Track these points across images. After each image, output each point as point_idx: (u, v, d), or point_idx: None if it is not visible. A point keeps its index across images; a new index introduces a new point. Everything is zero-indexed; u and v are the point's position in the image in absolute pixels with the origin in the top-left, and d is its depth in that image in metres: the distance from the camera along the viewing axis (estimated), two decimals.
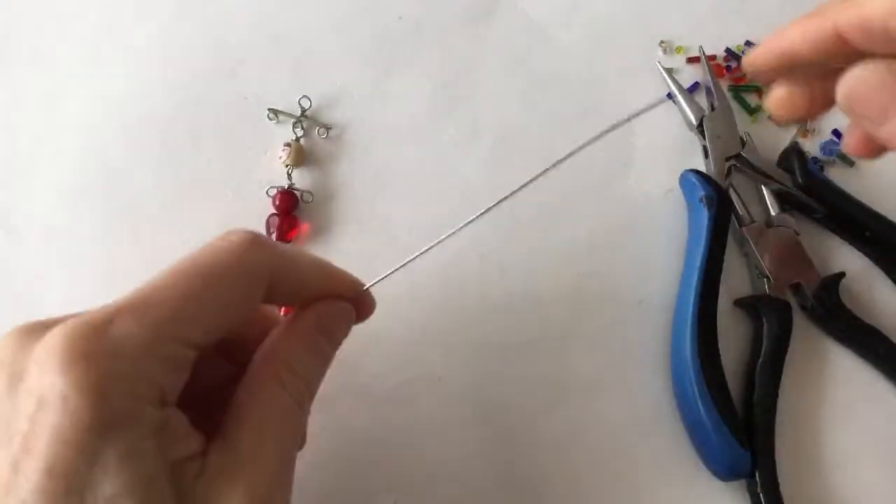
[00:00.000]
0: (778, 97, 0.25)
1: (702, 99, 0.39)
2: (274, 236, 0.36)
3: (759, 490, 0.32)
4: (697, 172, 0.37)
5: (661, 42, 0.41)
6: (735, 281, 0.37)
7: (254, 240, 0.23)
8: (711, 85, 0.39)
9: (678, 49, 0.41)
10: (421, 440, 0.34)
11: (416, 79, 0.40)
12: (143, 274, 0.22)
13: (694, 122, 0.38)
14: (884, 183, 0.38)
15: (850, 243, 0.37)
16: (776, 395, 0.33)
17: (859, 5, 0.21)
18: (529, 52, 0.41)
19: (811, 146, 0.39)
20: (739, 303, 0.36)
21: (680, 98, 0.39)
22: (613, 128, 0.35)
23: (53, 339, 0.19)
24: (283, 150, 0.38)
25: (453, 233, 0.32)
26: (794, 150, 0.38)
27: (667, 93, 0.40)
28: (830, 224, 0.37)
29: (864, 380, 0.35)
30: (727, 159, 0.37)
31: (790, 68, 0.24)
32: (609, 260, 0.37)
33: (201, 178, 0.38)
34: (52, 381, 0.18)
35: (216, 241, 0.23)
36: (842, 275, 0.36)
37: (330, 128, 0.39)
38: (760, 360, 0.34)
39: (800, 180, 0.37)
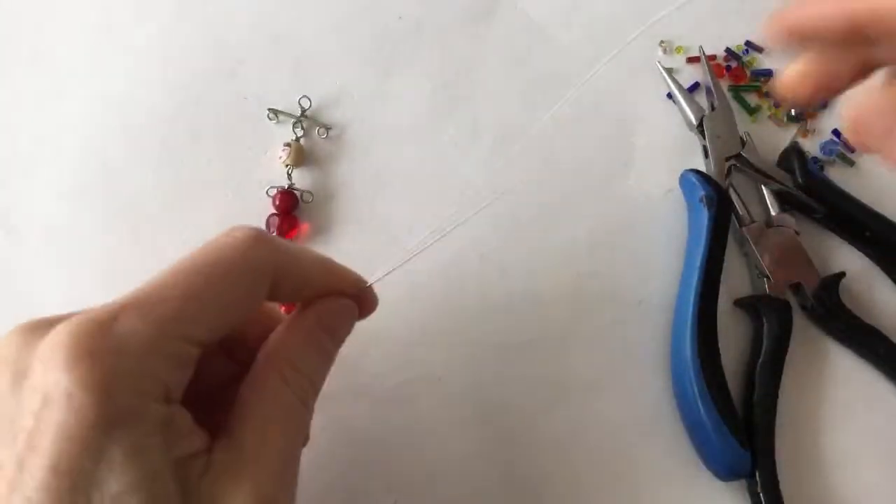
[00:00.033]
0: (791, 75, 0.25)
1: (702, 99, 0.39)
2: None
3: (759, 490, 0.32)
4: (697, 172, 0.37)
5: (661, 42, 0.41)
6: (735, 281, 0.37)
7: (257, 236, 0.23)
8: (711, 85, 0.39)
9: (678, 49, 0.41)
10: (421, 440, 0.34)
11: (416, 79, 0.40)
12: (143, 274, 0.22)
13: (694, 122, 0.38)
14: (884, 183, 0.38)
15: (850, 243, 0.37)
16: (776, 395, 0.33)
17: None
18: (529, 52, 0.41)
19: (811, 146, 0.39)
20: (739, 303, 0.36)
21: (680, 98, 0.39)
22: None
23: (58, 336, 0.19)
24: (283, 150, 0.38)
25: (462, 222, 0.32)
26: (794, 150, 0.38)
27: (667, 93, 0.40)
28: (830, 224, 0.37)
29: (864, 380, 0.35)
30: (727, 159, 0.37)
31: (804, 42, 0.24)
32: (609, 260, 0.37)
33: (201, 178, 0.38)
34: (56, 378, 0.18)
35: (220, 237, 0.23)
36: (842, 275, 0.36)
37: (330, 128, 0.39)
38: (760, 360, 0.34)
39: (800, 180, 0.37)
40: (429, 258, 0.36)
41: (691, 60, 0.41)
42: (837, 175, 0.39)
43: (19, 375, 0.19)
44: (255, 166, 0.38)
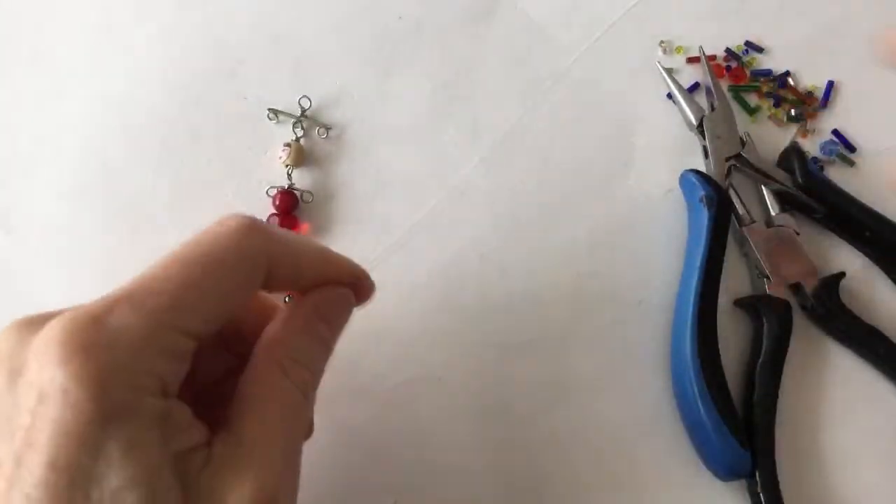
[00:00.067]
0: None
1: (702, 99, 0.39)
2: None
3: (759, 490, 0.32)
4: (697, 172, 0.37)
5: (661, 42, 0.41)
6: (735, 281, 0.37)
7: (251, 225, 0.23)
8: (711, 85, 0.39)
9: (678, 49, 0.41)
10: (421, 440, 0.34)
11: (416, 79, 0.40)
12: None
13: (694, 122, 0.38)
14: (884, 183, 0.38)
15: (850, 243, 0.37)
16: (776, 395, 0.33)
17: None
18: (529, 52, 0.41)
19: (811, 146, 0.39)
20: (739, 303, 0.36)
21: (680, 98, 0.39)
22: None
23: (52, 331, 0.19)
24: (283, 150, 0.38)
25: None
26: (794, 150, 0.38)
27: (667, 93, 0.40)
28: (830, 224, 0.37)
29: (864, 380, 0.35)
30: (727, 159, 0.37)
31: None
32: (609, 260, 0.37)
33: (201, 178, 0.38)
34: (51, 374, 0.18)
35: (213, 226, 0.23)
36: (842, 275, 0.36)
37: (330, 128, 0.39)
38: (760, 360, 0.34)
39: (800, 180, 0.37)
40: (429, 258, 0.37)
41: (691, 60, 0.41)
42: (837, 175, 0.39)
43: (15, 372, 0.19)
44: (255, 166, 0.38)
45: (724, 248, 0.35)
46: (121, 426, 0.18)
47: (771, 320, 0.34)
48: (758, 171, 0.37)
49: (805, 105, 0.40)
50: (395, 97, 0.40)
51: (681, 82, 0.39)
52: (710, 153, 0.38)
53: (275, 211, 0.37)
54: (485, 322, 0.36)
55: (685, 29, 0.41)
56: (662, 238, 0.37)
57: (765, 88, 0.40)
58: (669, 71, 0.40)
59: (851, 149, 0.39)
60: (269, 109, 0.39)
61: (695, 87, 0.40)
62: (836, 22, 0.42)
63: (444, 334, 0.35)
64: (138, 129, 0.39)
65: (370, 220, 0.37)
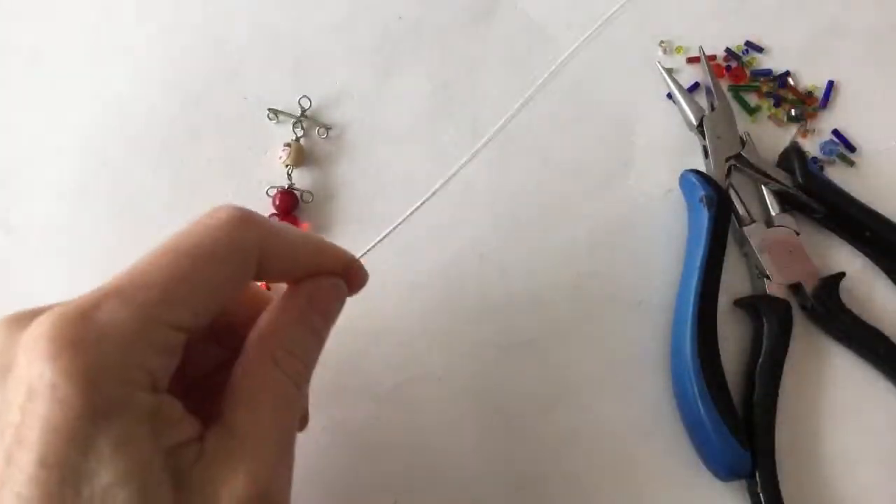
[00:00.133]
0: None
1: (702, 99, 0.39)
2: None
3: (759, 490, 0.32)
4: (697, 172, 0.37)
5: (661, 42, 0.41)
6: (735, 281, 0.37)
7: (242, 216, 0.22)
8: (711, 85, 0.39)
9: (678, 49, 0.41)
10: (421, 440, 0.34)
11: (416, 79, 0.40)
12: None
13: (694, 122, 0.38)
14: (884, 183, 0.38)
15: (850, 243, 0.37)
16: (776, 395, 0.33)
17: None
18: (529, 52, 0.41)
19: (811, 146, 0.39)
20: (739, 303, 0.36)
21: (680, 98, 0.39)
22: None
23: (41, 327, 0.18)
24: (283, 150, 0.38)
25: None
26: (794, 150, 0.38)
27: (667, 93, 0.40)
28: (830, 224, 0.37)
29: (864, 380, 0.35)
30: (727, 159, 0.37)
31: None
32: (609, 260, 0.37)
33: (201, 178, 0.38)
34: (40, 369, 0.18)
35: (203, 218, 0.22)
36: (842, 275, 0.36)
37: (330, 128, 0.39)
38: (760, 360, 0.34)
39: (800, 180, 0.37)
40: (429, 258, 0.37)
41: (691, 60, 0.41)
42: (837, 175, 0.39)
43: (4, 368, 0.19)
44: (255, 166, 0.38)
45: (724, 248, 0.35)
46: (111, 422, 0.18)
47: (771, 320, 0.34)
48: (758, 171, 0.37)
49: (805, 105, 0.40)
50: (395, 97, 0.40)
51: (681, 82, 0.39)
52: (710, 153, 0.38)
53: (275, 211, 0.37)
54: (485, 322, 0.36)
55: (685, 29, 0.41)
56: (662, 238, 0.37)
57: (765, 88, 0.40)
58: (669, 71, 0.40)
59: (851, 149, 0.39)
60: (269, 109, 0.39)
61: (695, 87, 0.40)
62: (836, 22, 0.42)
63: (444, 334, 0.35)
64: (138, 129, 0.39)
65: (370, 220, 0.37)
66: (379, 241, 0.35)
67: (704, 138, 0.38)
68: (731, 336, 0.36)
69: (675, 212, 0.38)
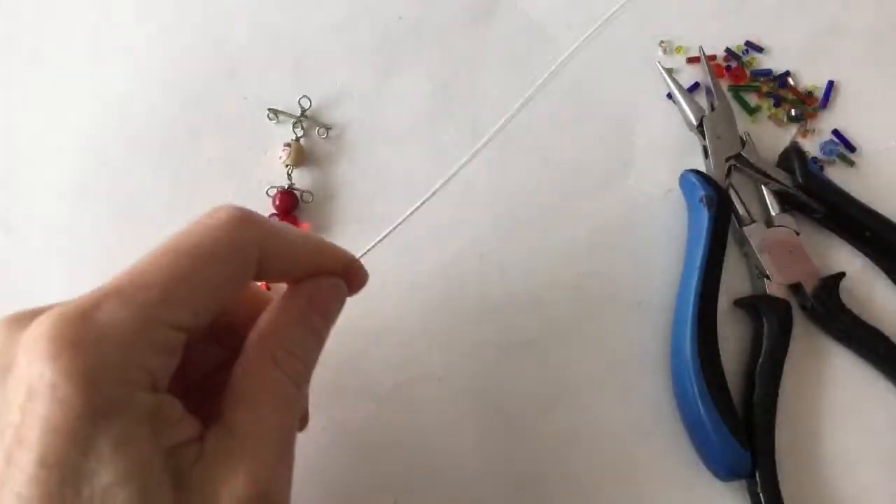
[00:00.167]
0: None
1: (702, 99, 0.39)
2: None
3: (759, 490, 0.32)
4: (697, 172, 0.37)
5: (661, 42, 0.41)
6: (735, 281, 0.37)
7: (242, 216, 0.22)
8: (711, 85, 0.39)
9: (678, 49, 0.41)
10: (421, 440, 0.34)
11: (416, 79, 0.40)
12: None
13: (694, 122, 0.38)
14: (884, 183, 0.38)
15: (850, 243, 0.37)
16: (776, 395, 0.33)
17: None
18: (529, 52, 0.41)
19: (811, 146, 0.39)
20: (739, 303, 0.36)
21: (680, 98, 0.39)
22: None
23: (41, 327, 0.18)
24: (283, 150, 0.38)
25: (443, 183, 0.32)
26: (794, 150, 0.38)
27: (667, 93, 0.40)
28: (830, 224, 0.37)
29: (864, 380, 0.35)
30: (727, 159, 0.37)
31: None
32: (609, 260, 0.37)
33: (201, 178, 0.38)
34: (40, 370, 0.18)
35: (203, 218, 0.22)
36: (842, 275, 0.36)
37: (330, 128, 0.39)
38: (760, 360, 0.34)
39: (800, 180, 0.37)
40: (429, 258, 0.37)
41: (691, 60, 0.41)
42: (837, 175, 0.39)
43: (4, 369, 0.19)
44: (255, 166, 0.38)
45: (724, 248, 0.35)
46: (111, 422, 0.18)
47: (771, 320, 0.34)
48: (758, 171, 0.37)
49: (805, 105, 0.40)
50: (395, 97, 0.40)
51: (681, 82, 0.39)
52: (710, 153, 0.38)
53: (275, 211, 0.37)
54: (485, 322, 0.36)
55: (685, 29, 0.41)
56: (662, 238, 0.37)
57: (765, 88, 0.40)
58: (669, 71, 0.40)
59: (851, 149, 0.39)
60: (269, 109, 0.39)
61: (695, 87, 0.40)
62: (836, 22, 0.42)
63: (444, 334, 0.35)
64: (138, 129, 0.39)
65: (370, 220, 0.37)
66: (379, 241, 0.35)
67: (704, 138, 0.38)
68: (731, 336, 0.36)
69: (675, 212, 0.38)
